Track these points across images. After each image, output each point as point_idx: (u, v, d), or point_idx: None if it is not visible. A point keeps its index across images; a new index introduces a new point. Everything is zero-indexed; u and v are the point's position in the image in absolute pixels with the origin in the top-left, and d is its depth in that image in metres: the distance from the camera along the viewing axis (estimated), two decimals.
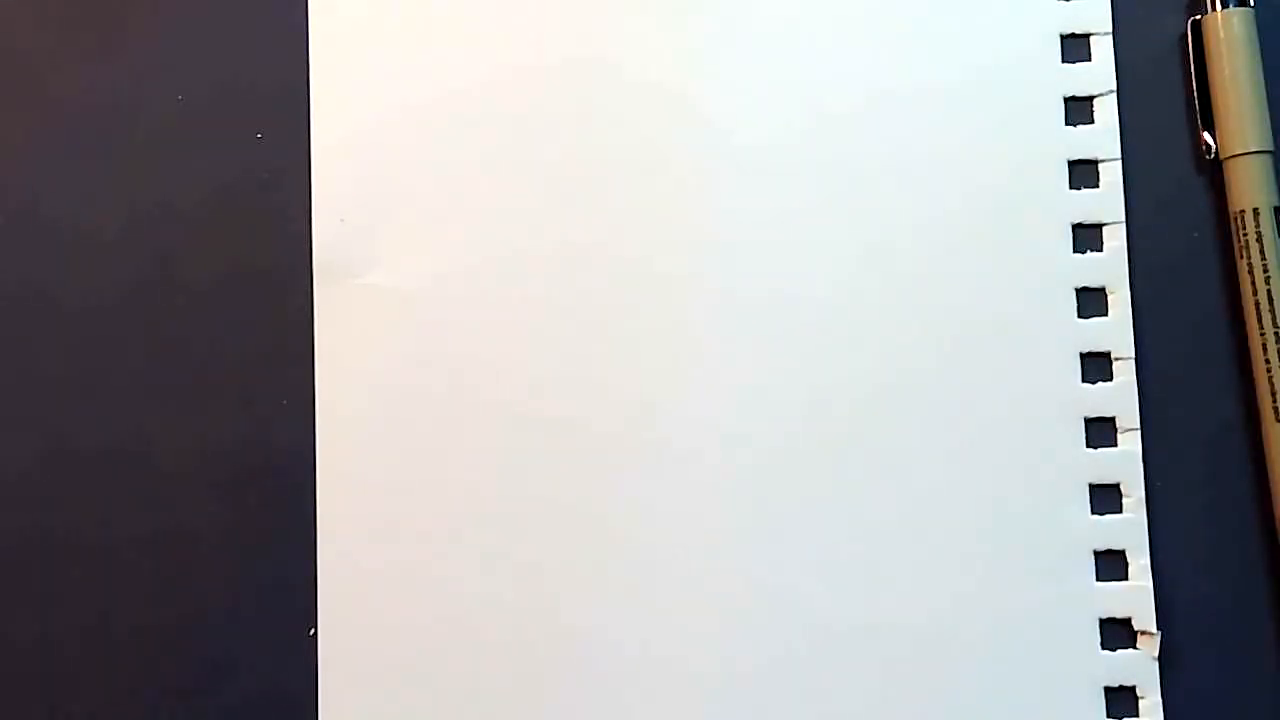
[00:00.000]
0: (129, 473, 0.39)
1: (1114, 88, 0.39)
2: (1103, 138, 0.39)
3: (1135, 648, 0.37)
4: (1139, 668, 0.37)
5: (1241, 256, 0.37)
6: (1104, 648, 0.37)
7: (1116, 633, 0.37)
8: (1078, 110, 0.39)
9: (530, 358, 0.39)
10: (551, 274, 0.39)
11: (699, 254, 0.39)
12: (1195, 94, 0.38)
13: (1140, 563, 0.37)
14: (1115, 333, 0.38)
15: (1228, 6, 0.38)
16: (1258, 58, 0.38)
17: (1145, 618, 0.37)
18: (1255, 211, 0.37)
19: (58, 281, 0.40)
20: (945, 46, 0.39)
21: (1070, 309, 0.38)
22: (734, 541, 0.38)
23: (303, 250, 0.40)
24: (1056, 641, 0.37)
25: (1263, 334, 0.37)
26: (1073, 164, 0.39)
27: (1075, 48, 0.39)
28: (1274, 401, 0.36)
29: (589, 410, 0.38)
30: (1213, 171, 0.38)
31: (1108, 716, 0.37)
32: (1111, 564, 0.37)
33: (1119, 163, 0.38)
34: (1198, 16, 0.38)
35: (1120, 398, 0.38)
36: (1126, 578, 0.37)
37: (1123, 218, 0.38)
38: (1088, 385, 0.38)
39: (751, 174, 0.39)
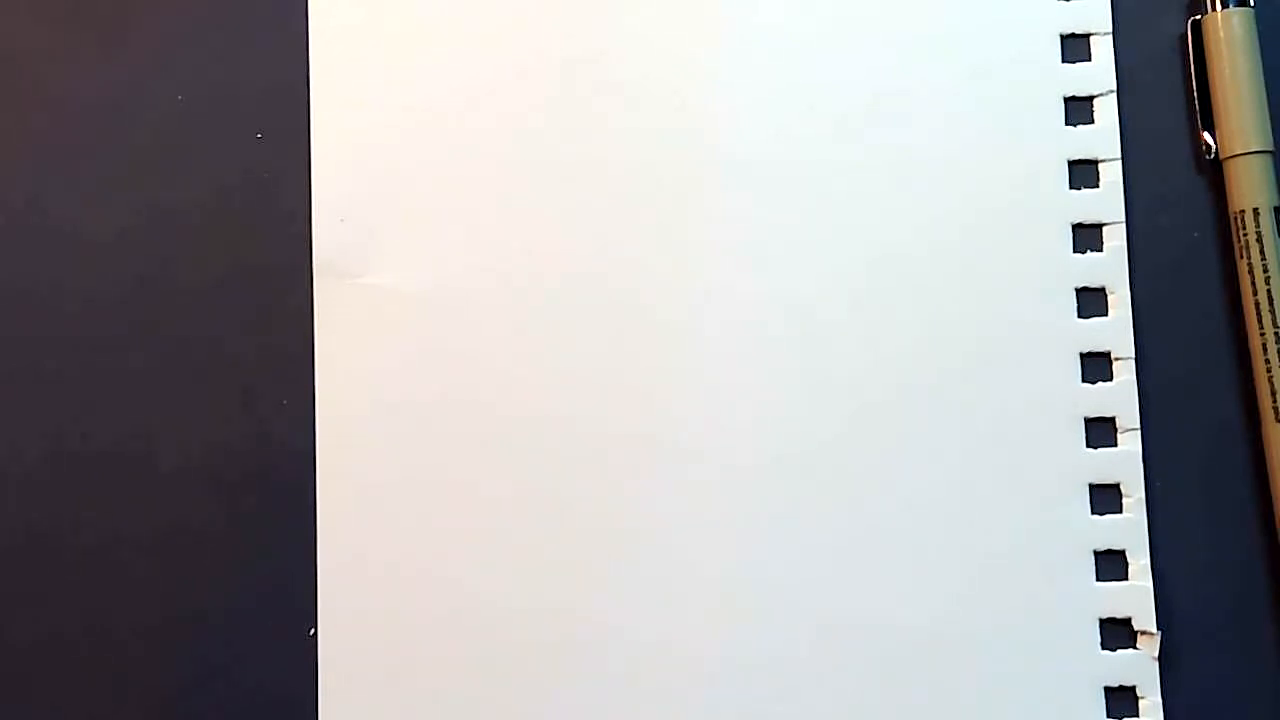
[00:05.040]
0: (129, 473, 0.39)
1: (1114, 88, 0.39)
2: (1103, 138, 0.39)
3: (1135, 648, 0.37)
4: (1139, 668, 0.37)
5: (1241, 256, 0.37)
6: (1104, 648, 0.37)
7: (1116, 633, 0.37)
8: (1078, 110, 0.39)
9: (530, 357, 0.39)
10: (551, 274, 0.39)
11: (700, 254, 0.39)
12: (1195, 94, 0.38)
13: (1140, 563, 0.37)
14: (1115, 333, 0.38)
15: (1228, 6, 0.38)
16: (1258, 58, 0.38)
17: (1145, 618, 0.37)
18: (1255, 211, 0.37)
19: (58, 281, 0.40)
20: (945, 46, 0.39)
21: (1070, 309, 0.38)
22: (734, 541, 0.38)
23: (303, 250, 0.40)
24: (1056, 641, 0.37)
25: (1263, 334, 0.37)
26: (1073, 164, 0.39)
27: (1075, 48, 0.39)
28: (1274, 401, 0.36)
29: (590, 410, 0.38)
30: (1213, 171, 0.38)
31: (1108, 716, 0.37)
32: (1111, 564, 0.37)
33: (1119, 163, 0.38)
34: (1198, 16, 0.38)
35: (1120, 398, 0.38)
36: (1126, 578, 0.37)
37: (1123, 218, 0.38)
38: (1088, 385, 0.38)
39: (751, 174, 0.39)
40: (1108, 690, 0.37)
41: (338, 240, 0.40)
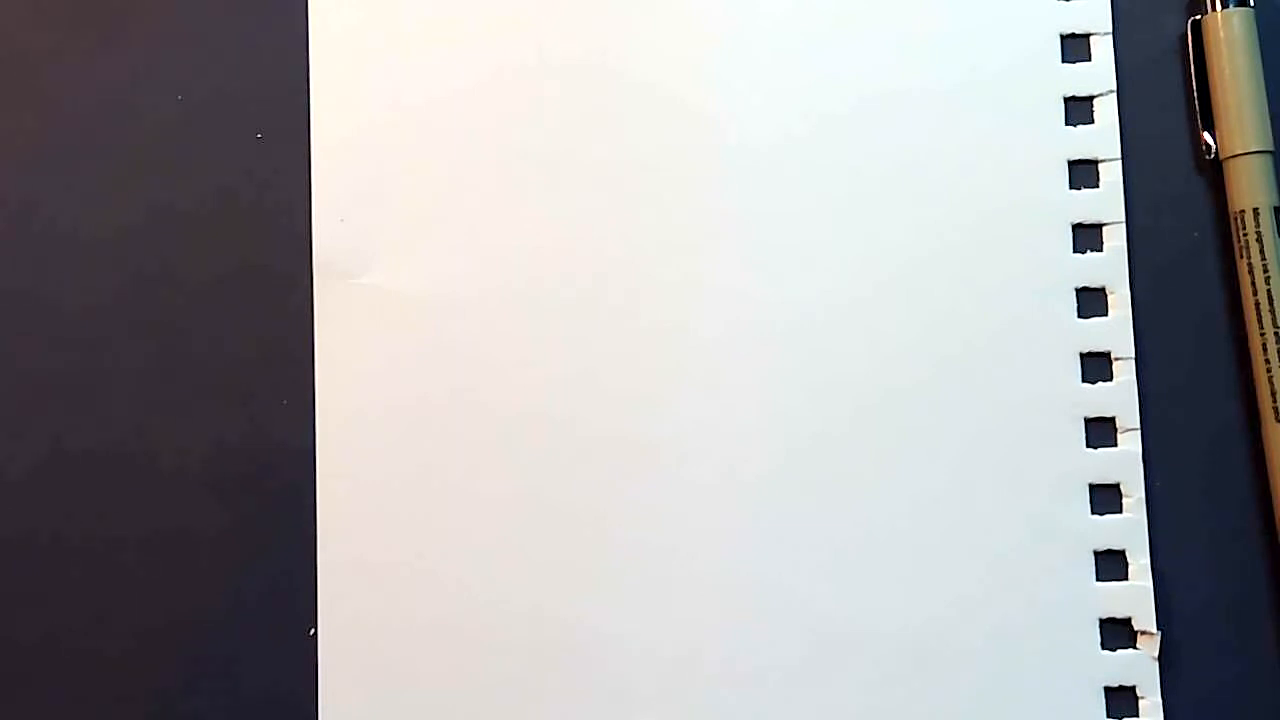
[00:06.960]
0: (129, 473, 0.39)
1: (1114, 88, 0.39)
2: (1103, 138, 0.39)
3: (1135, 648, 0.37)
4: (1139, 668, 0.37)
5: (1241, 256, 0.37)
6: (1104, 648, 0.37)
7: (1116, 633, 0.37)
8: (1078, 110, 0.39)
9: (530, 357, 0.39)
10: (551, 274, 0.39)
11: (700, 254, 0.39)
12: (1195, 94, 0.38)
13: (1140, 563, 0.37)
14: (1115, 333, 0.38)
15: (1228, 6, 0.38)
16: (1258, 58, 0.38)
17: (1145, 618, 0.37)
18: (1255, 211, 0.37)
19: (58, 282, 0.40)
20: (945, 47, 0.39)
21: (1070, 309, 0.38)
22: (734, 542, 0.38)
23: (303, 250, 0.40)
24: (1056, 641, 0.37)
25: (1263, 334, 0.37)
26: (1073, 164, 0.39)
27: (1075, 48, 0.39)
28: (1274, 401, 0.36)
29: (589, 410, 0.38)
30: (1213, 171, 0.38)
31: (1108, 716, 0.37)
32: (1111, 564, 0.37)
33: (1119, 163, 0.38)
34: (1198, 16, 0.38)
35: (1120, 398, 0.38)
36: (1126, 578, 0.37)
37: (1123, 218, 0.38)
38: (1088, 385, 0.38)
39: (751, 174, 0.39)
40: (1108, 690, 0.37)
41: (338, 240, 0.40)
